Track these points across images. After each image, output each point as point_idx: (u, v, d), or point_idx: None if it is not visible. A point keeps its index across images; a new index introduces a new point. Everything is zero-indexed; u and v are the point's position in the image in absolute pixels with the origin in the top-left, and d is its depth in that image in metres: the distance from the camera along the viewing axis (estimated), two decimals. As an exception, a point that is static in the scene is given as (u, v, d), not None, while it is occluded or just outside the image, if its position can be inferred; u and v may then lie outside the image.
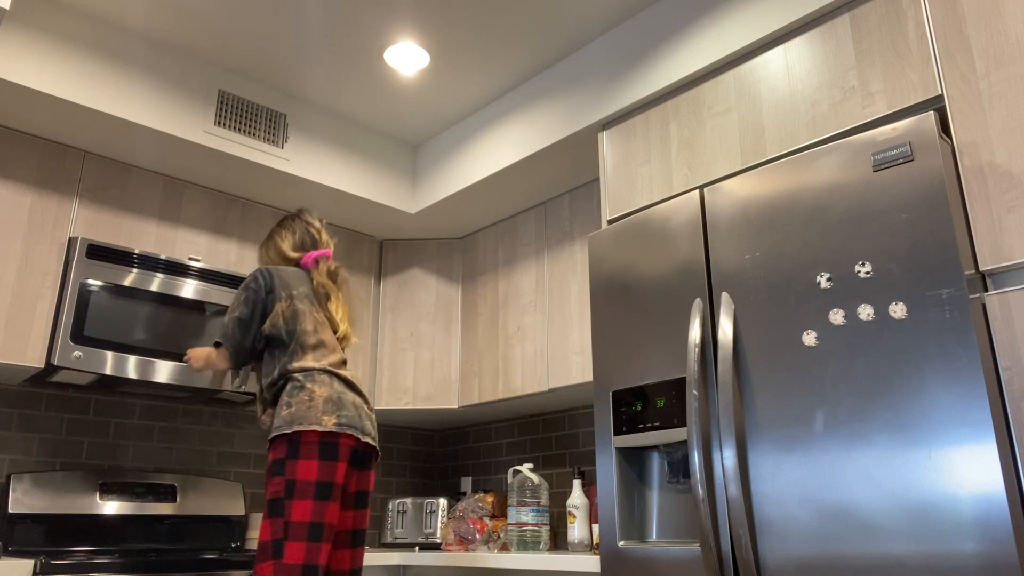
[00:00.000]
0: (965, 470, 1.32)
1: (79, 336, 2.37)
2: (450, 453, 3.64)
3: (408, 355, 3.25)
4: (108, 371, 2.41)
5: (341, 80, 2.83)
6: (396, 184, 3.19)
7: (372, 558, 2.60)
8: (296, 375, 2.05)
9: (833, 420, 1.49)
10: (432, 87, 2.88)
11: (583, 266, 2.78)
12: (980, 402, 1.32)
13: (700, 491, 1.60)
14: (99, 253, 2.49)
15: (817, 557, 1.46)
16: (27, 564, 1.95)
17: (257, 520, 2.88)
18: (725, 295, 1.73)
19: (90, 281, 2.44)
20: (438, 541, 3.00)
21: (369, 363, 3.24)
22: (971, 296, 1.39)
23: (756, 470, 1.58)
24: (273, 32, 2.58)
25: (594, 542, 2.58)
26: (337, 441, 1.97)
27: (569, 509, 2.63)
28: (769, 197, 1.71)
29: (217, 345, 2.12)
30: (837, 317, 1.54)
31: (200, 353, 2.21)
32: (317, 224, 2.38)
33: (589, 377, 2.64)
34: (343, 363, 2.15)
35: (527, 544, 2.65)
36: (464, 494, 3.45)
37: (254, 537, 2.86)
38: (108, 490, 2.57)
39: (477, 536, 2.72)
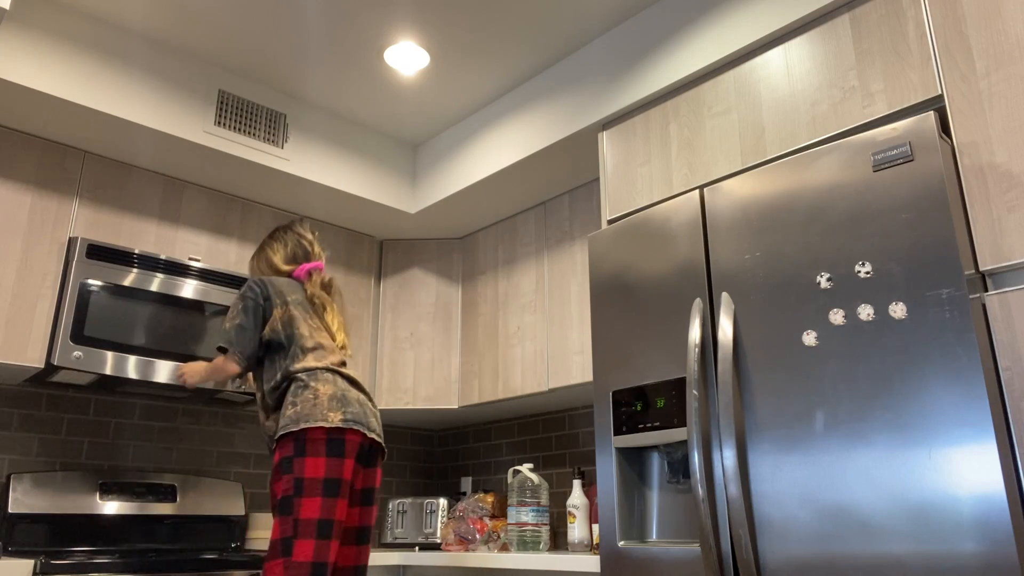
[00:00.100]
0: (965, 470, 1.32)
1: (79, 336, 2.37)
2: (450, 453, 3.64)
3: (408, 355, 3.25)
4: (108, 371, 2.41)
5: (341, 80, 2.83)
6: (396, 184, 3.19)
7: (372, 558, 2.60)
8: (299, 375, 2.05)
9: (833, 420, 1.49)
10: (432, 87, 2.88)
11: (583, 266, 2.78)
12: (980, 402, 1.32)
13: (700, 491, 1.60)
14: (99, 253, 2.49)
15: (817, 557, 1.46)
16: (27, 564, 1.95)
17: (257, 520, 2.88)
18: (725, 295, 1.73)
19: (90, 281, 2.44)
20: (438, 541, 3.00)
21: (369, 363, 3.24)
22: (971, 296, 1.39)
23: (756, 470, 1.58)
24: (273, 32, 2.58)
25: (594, 542, 2.58)
26: (344, 437, 1.97)
27: (569, 509, 2.63)
28: (769, 197, 1.71)
29: (222, 351, 2.11)
30: (837, 317, 1.54)
31: (196, 367, 2.20)
32: (310, 236, 2.36)
33: (589, 377, 2.63)
34: (343, 364, 2.16)
35: (527, 544, 2.65)
36: (464, 494, 3.45)
37: (254, 537, 2.86)
38: (108, 490, 2.57)
39: (477, 536, 2.72)
